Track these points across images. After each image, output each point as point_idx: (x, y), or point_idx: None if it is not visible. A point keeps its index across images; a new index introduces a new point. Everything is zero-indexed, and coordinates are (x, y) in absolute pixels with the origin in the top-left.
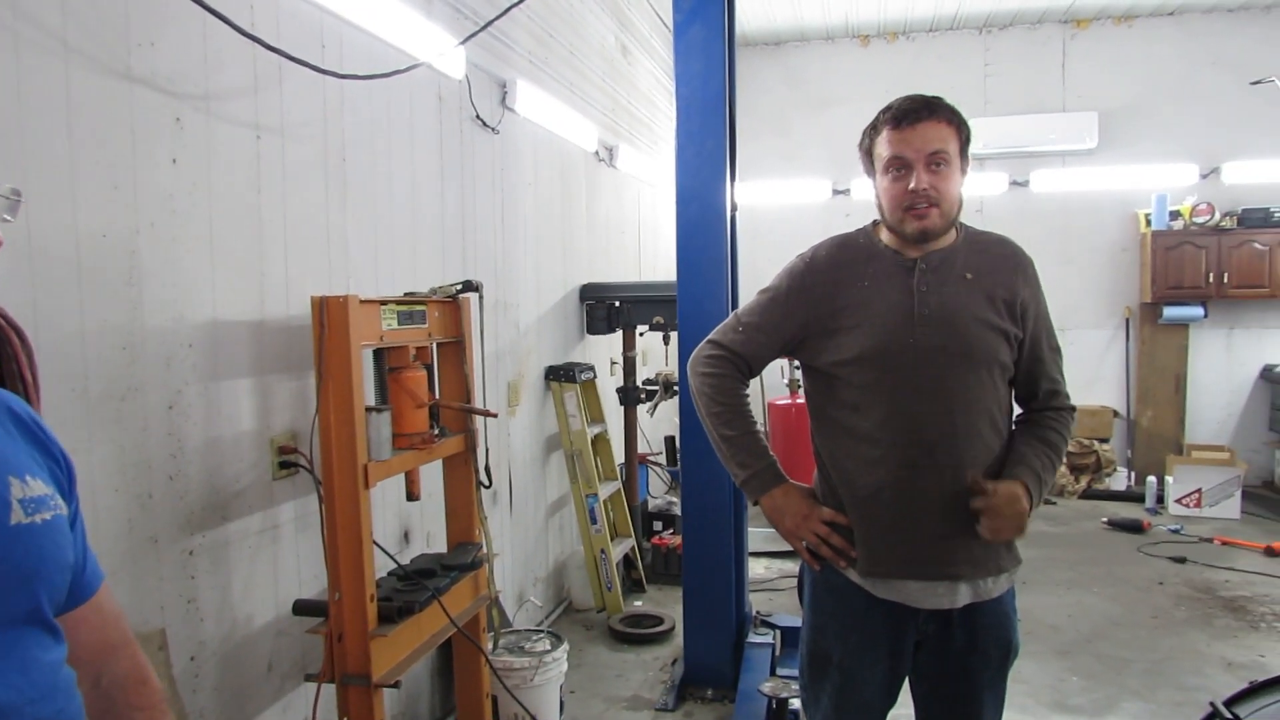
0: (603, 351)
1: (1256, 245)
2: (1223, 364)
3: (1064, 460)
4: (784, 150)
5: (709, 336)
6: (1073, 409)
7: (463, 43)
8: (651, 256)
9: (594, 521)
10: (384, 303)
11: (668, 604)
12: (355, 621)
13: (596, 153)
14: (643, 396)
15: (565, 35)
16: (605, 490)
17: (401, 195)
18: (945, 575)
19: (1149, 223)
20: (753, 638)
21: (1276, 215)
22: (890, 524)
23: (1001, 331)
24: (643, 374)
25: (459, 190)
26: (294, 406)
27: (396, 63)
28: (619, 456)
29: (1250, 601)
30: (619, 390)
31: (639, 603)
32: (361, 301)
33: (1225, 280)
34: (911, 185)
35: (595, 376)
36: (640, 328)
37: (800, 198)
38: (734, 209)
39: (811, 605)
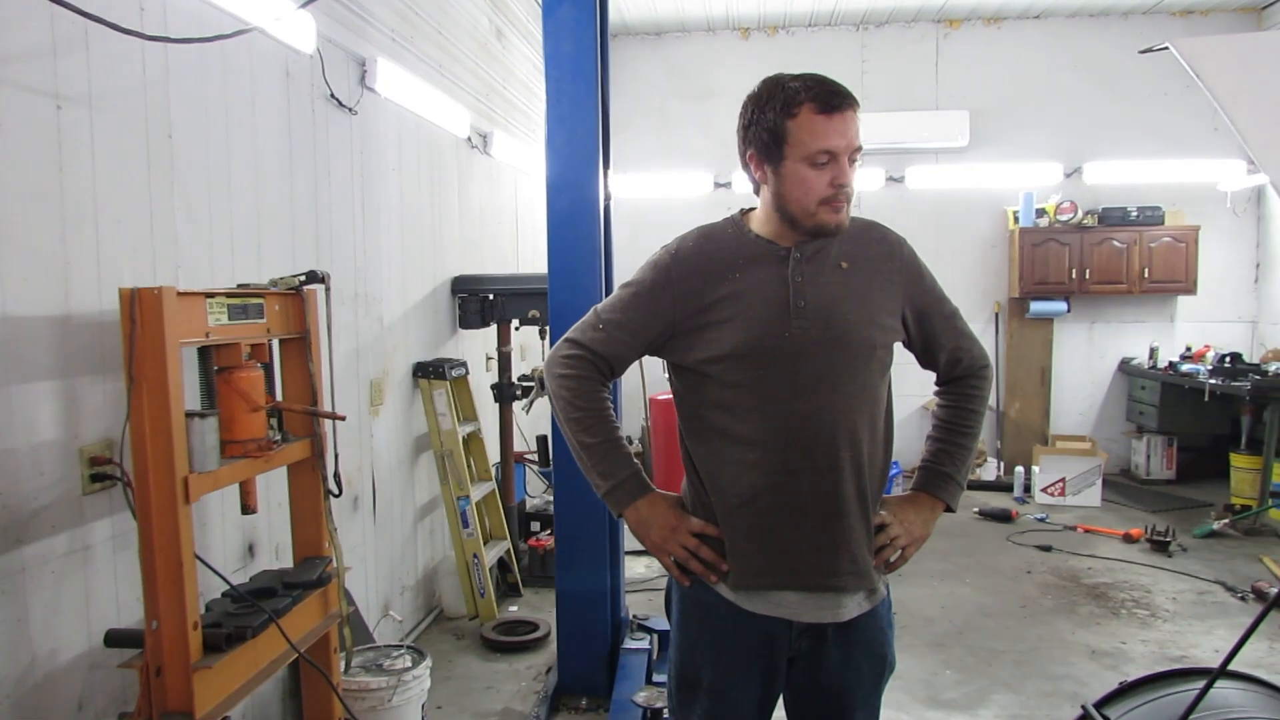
0: (478, 346)
1: (1115, 243)
2: (1084, 357)
3: (983, 418)
4: (665, 142)
5: (566, 334)
6: (983, 367)
7: (303, 6)
8: (530, 249)
9: (466, 525)
10: (210, 295)
11: (544, 608)
12: (176, 652)
13: (469, 139)
14: (518, 393)
15: (432, 13)
16: (478, 492)
17: (242, 178)
18: (829, 587)
19: (1017, 220)
20: (628, 643)
21: (1133, 214)
22: (766, 532)
23: (879, 324)
24: (520, 369)
25: (312, 174)
26: (111, 412)
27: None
28: (494, 456)
29: (1111, 588)
30: (494, 387)
31: (514, 608)
32: (180, 294)
33: (1087, 276)
34: (842, 180)
35: (468, 373)
36: (516, 321)
37: (682, 191)
38: (608, 199)
39: (679, 624)
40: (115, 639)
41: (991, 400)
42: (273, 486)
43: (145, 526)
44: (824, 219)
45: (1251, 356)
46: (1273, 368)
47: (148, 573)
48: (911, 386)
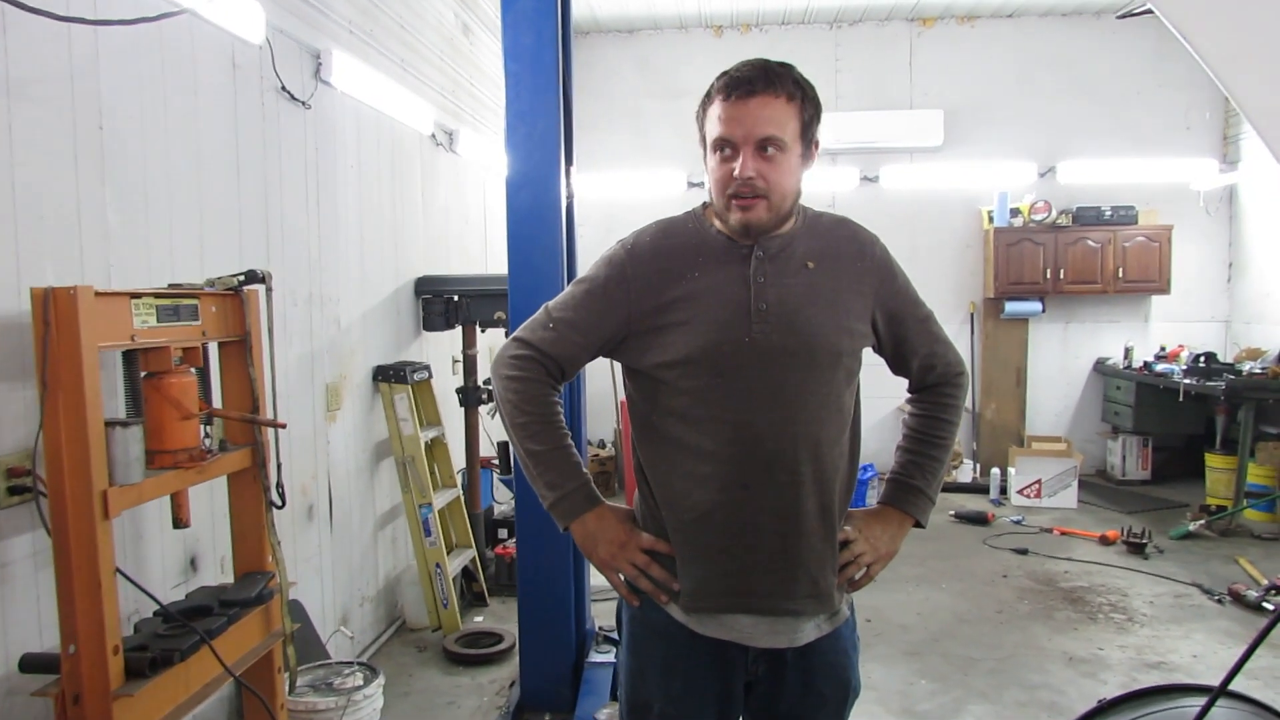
0: (445, 349)
1: (1089, 242)
2: (1059, 357)
3: (957, 429)
4: (638, 141)
5: (515, 333)
6: (958, 374)
7: None
8: (499, 249)
9: (428, 533)
10: (136, 296)
11: (511, 619)
12: (94, 679)
13: (434, 136)
14: (485, 397)
15: (394, 6)
16: (442, 499)
17: (183, 173)
18: (786, 610)
19: (991, 219)
20: (593, 656)
21: (1107, 214)
22: (720, 551)
23: (847, 329)
24: (487, 373)
25: (261, 169)
26: (32, 420)
27: (176, 20)
28: (460, 461)
29: (1088, 592)
30: (459, 391)
31: (480, 618)
32: (100, 294)
33: (1061, 276)
34: (737, 172)
35: (431, 376)
36: (484, 323)
37: (655, 190)
38: (570, 197)
39: (629, 647)
40: (31, 664)
41: (967, 402)
42: (217, 496)
43: (60, 543)
44: (732, 216)
45: (1225, 356)
46: (1246, 367)
47: (64, 593)
48: (888, 388)
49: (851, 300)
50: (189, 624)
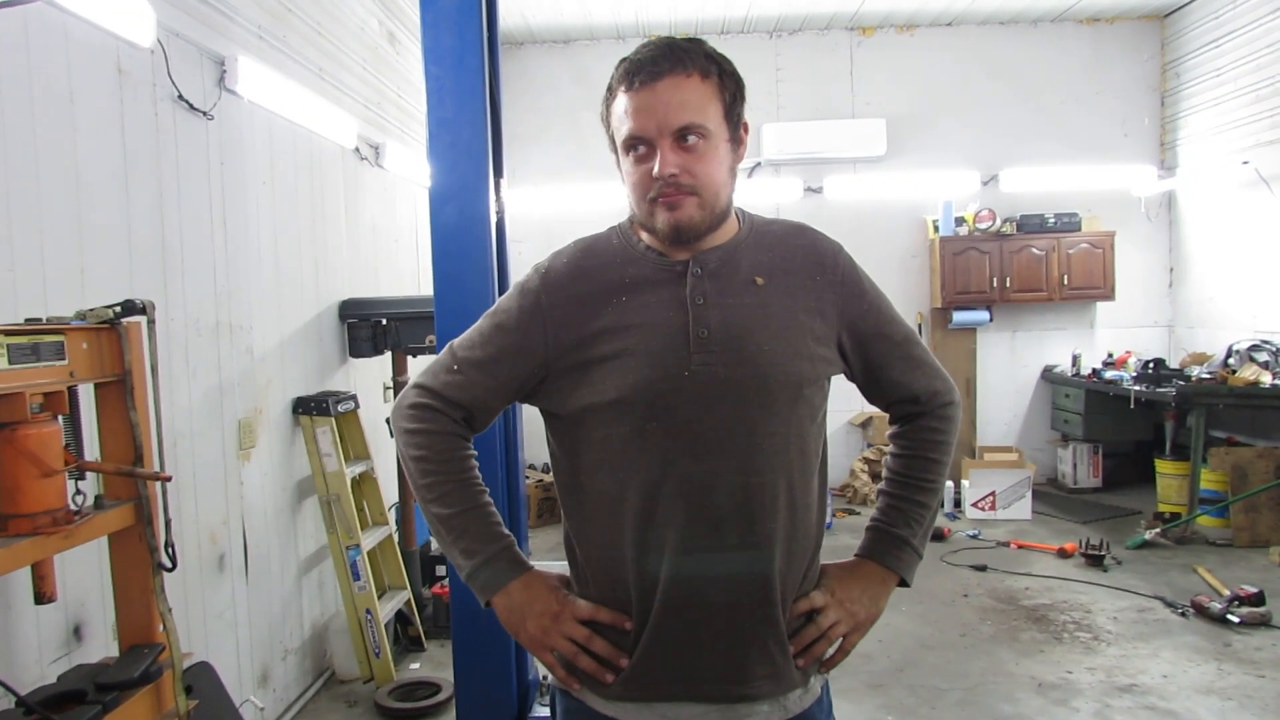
0: (374, 376)
1: (1034, 250)
2: (1007, 366)
3: (947, 469)
4: (577, 154)
5: (416, 378)
6: (946, 404)
7: None
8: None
9: (356, 577)
10: None
11: (450, 665)
12: None
13: (358, 150)
14: None
15: (309, 10)
16: (371, 538)
17: (56, 190)
18: (740, 696)
19: (937, 229)
20: (536, 710)
21: (1051, 221)
22: (659, 630)
23: (807, 354)
24: None
25: (156, 186)
26: None
27: (45, 16)
28: (392, 496)
29: (1051, 610)
30: (389, 420)
31: (416, 665)
32: None
33: (1007, 284)
34: (655, 171)
35: (357, 406)
36: (415, 348)
37: (595, 204)
38: (501, 211)
39: None
40: None
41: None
42: (106, 553)
43: None
44: (658, 219)
45: (1170, 361)
46: (1195, 372)
47: None
48: (834, 400)
49: (810, 321)
50: (50, 717)
